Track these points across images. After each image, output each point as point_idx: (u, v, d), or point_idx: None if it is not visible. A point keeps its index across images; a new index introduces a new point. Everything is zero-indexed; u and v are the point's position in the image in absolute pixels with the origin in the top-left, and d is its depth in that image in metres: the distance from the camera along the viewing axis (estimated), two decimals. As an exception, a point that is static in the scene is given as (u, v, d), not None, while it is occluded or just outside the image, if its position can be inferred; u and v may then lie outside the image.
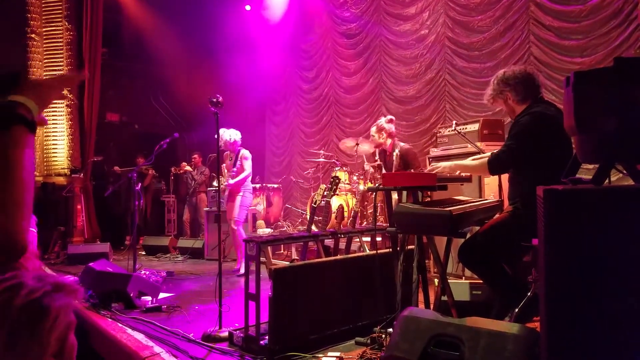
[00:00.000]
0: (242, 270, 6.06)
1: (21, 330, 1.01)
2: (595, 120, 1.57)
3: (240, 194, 6.24)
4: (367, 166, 6.05)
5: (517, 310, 2.96)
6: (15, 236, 1.04)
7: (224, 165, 6.61)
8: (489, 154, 3.22)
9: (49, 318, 1.04)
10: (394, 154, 5.38)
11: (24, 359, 1.02)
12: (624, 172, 1.67)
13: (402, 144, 5.52)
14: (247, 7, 11.07)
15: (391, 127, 5.44)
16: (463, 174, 3.39)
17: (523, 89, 3.13)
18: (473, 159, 3.40)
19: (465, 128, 5.27)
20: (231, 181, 6.22)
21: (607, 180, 1.63)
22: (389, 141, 5.42)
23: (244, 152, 6.32)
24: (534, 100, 3.12)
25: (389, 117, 5.55)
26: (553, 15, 6.53)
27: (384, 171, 5.45)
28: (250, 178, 6.43)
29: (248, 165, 6.26)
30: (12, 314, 1.00)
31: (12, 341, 1.00)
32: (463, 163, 3.34)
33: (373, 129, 5.46)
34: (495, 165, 3.08)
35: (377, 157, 5.88)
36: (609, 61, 1.56)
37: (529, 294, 3.01)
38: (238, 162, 6.28)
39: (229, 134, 6.27)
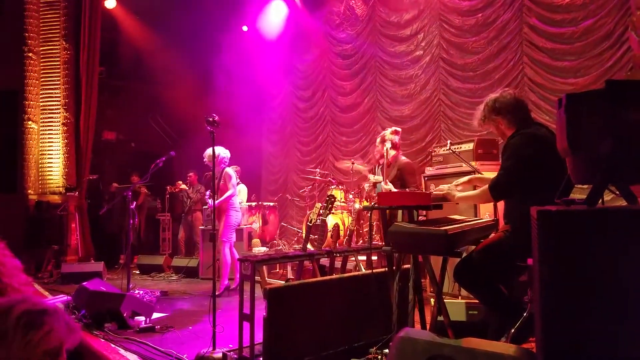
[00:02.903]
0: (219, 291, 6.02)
1: (15, 332, 1.13)
2: (587, 141, 1.59)
3: (226, 213, 6.22)
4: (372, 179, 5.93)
5: (513, 330, 2.95)
6: None
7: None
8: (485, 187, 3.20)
9: (41, 330, 1.15)
10: (383, 161, 5.34)
11: (8, 356, 1.13)
12: (617, 193, 1.68)
13: (403, 158, 5.47)
14: (244, 28, 11.19)
15: (395, 138, 5.32)
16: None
17: (513, 116, 3.16)
18: (472, 188, 3.41)
19: (460, 147, 5.31)
20: (209, 201, 6.10)
21: (600, 201, 1.64)
22: (392, 152, 5.29)
23: (227, 171, 6.27)
24: (524, 122, 3.14)
25: (395, 128, 5.45)
26: (546, 37, 6.63)
27: (382, 184, 5.37)
28: (236, 197, 6.39)
29: (231, 185, 6.22)
30: (10, 319, 1.13)
31: (4, 338, 1.12)
32: (467, 195, 3.33)
33: (379, 140, 5.40)
34: (497, 191, 3.07)
35: (371, 176, 5.89)
36: (602, 82, 1.58)
37: (525, 314, 3.00)
38: (221, 182, 6.25)
39: (217, 152, 6.14)
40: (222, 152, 6.20)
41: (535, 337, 1.96)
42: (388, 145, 5.20)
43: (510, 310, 3.04)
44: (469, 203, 3.35)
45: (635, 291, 1.44)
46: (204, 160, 6.15)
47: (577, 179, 1.73)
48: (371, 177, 6.02)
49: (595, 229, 1.49)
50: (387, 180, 5.11)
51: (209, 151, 6.02)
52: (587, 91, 1.74)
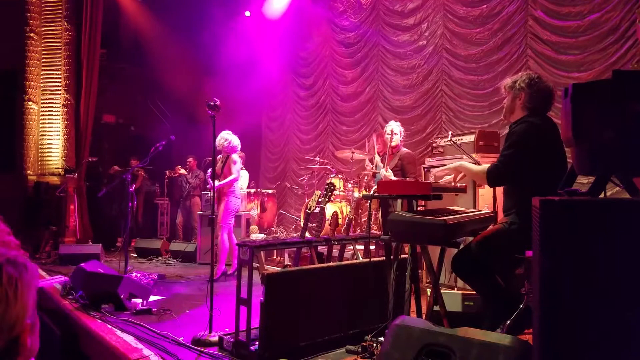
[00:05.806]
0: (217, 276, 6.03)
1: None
2: (592, 132, 1.58)
3: (226, 198, 6.22)
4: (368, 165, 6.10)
5: (508, 322, 2.95)
6: None
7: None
8: (487, 165, 3.18)
9: None
10: (384, 151, 5.49)
11: None
12: (620, 184, 1.67)
13: (404, 149, 5.68)
14: (247, 13, 11.10)
15: (402, 130, 5.65)
16: (458, 184, 3.39)
17: (535, 101, 3.07)
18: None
19: (461, 139, 5.30)
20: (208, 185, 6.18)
21: (602, 193, 1.63)
22: (396, 143, 5.54)
23: (233, 157, 6.26)
24: (535, 111, 3.09)
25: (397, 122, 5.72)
26: (551, 30, 6.59)
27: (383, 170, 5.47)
28: (237, 183, 6.39)
29: (235, 170, 6.20)
30: None
31: None
32: (468, 165, 3.30)
33: (391, 129, 5.46)
34: (494, 176, 3.03)
35: (372, 165, 5.89)
36: (606, 77, 1.57)
37: (521, 305, 3.00)
38: (225, 166, 6.25)
39: (233, 138, 6.23)
40: (234, 139, 6.22)
41: (533, 328, 1.97)
42: (398, 136, 5.47)
43: (507, 302, 3.04)
44: (468, 175, 3.32)
45: (637, 283, 1.44)
46: (223, 143, 6.14)
47: (580, 170, 1.72)
48: (369, 165, 6.11)
49: (598, 219, 1.48)
50: (388, 167, 5.18)
51: (228, 137, 6.14)
52: (594, 81, 1.73)
